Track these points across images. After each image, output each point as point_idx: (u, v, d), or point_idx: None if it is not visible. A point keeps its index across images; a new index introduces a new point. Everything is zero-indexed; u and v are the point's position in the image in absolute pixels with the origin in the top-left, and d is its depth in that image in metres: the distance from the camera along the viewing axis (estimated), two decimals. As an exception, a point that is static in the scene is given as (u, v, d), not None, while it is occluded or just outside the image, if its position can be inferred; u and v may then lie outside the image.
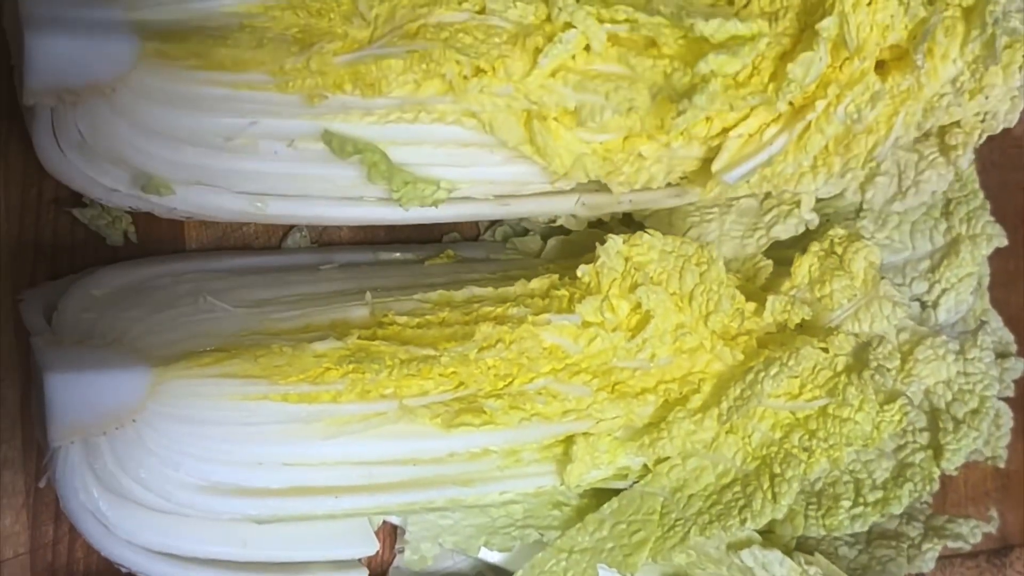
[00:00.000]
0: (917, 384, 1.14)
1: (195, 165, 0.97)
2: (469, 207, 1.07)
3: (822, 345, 1.07)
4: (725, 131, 1.04)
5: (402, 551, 1.11)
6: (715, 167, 1.04)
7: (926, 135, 1.14)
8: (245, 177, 0.99)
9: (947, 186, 1.15)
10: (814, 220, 1.12)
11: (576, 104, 1.00)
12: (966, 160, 1.13)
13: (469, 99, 0.99)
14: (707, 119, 1.03)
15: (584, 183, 1.06)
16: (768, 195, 1.13)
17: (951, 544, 1.18)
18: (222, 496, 0.96)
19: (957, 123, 1.12)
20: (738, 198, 1.13)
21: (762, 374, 1.03)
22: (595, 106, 1.00)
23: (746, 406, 1.02)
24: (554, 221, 1.17)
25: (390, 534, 1.13)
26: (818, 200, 1.14)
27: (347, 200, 1.03)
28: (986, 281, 1.22)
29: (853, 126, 1.02)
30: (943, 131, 1.14)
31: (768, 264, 1.13)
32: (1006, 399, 1.21)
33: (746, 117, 1.03)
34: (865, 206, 1.17)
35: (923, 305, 1.18)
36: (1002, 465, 1.22)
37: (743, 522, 1.03)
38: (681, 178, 1.09)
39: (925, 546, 1.17)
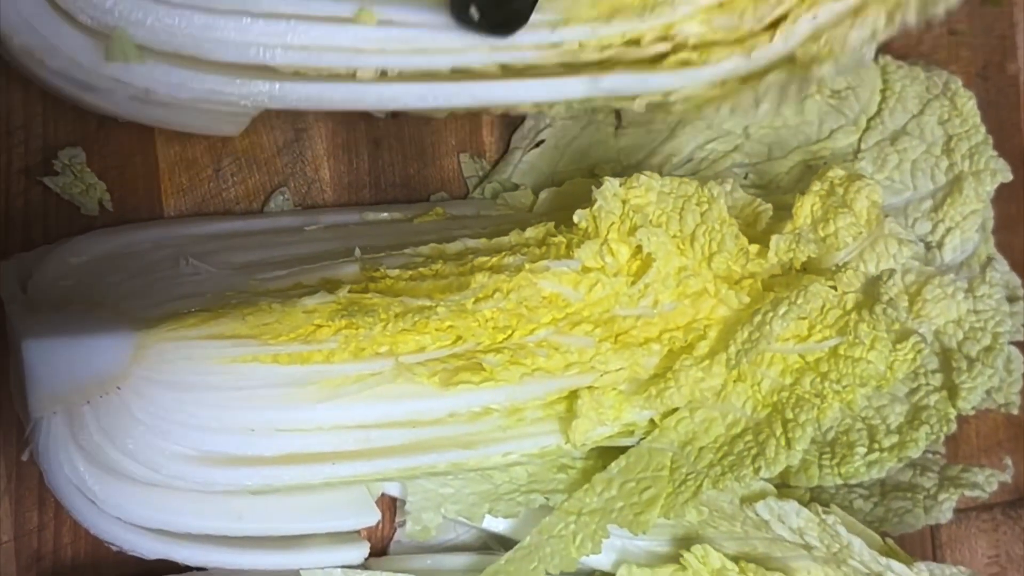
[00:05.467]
0: (927, 325, 1.11)
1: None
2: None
3: (830, 283, 1.03)
4: None
5: (403, 524, 1.07)
6: None
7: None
8: None
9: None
10: None
11: None
12: None
13: None
14: None
15: None
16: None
17: (968, 493, 1.15)
18: (214, 466, 0.93)
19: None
20: None
21: (770, 315, 0.99)
22: None
23: (755, 349, 0.99)
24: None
25: (390, 507, 1.10)
26: (815, 142, 1.10)
27: None
28: (990, 224, 1.19)
29: None
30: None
31: (768, 208, 1.09)
32: (1016, 343, 1.18)
33: None
34: None
35: (928, 245, 1.15)
36: (1015, 412, 1.19)
37: (757, 471, 1.00)
38: None
39: (941, 496, 1.14)
